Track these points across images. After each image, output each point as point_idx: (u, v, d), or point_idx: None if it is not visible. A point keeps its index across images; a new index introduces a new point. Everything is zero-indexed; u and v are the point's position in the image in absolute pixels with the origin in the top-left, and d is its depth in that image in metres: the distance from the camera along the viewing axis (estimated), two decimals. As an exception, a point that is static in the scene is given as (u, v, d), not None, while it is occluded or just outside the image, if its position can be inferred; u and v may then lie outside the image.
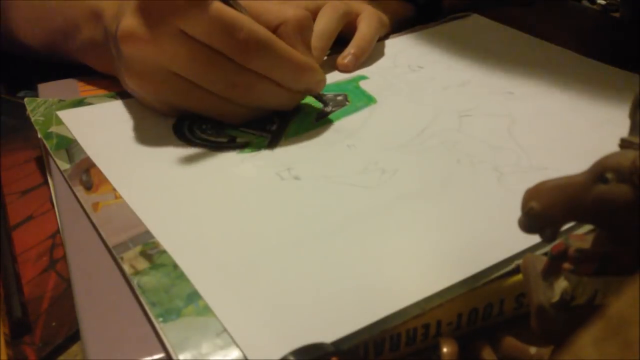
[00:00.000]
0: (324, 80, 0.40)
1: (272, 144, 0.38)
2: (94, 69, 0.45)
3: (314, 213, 0.32)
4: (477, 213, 0.32)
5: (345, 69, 0.47)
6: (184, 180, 0.35)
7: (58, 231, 0.35)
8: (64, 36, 0.45)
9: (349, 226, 0.31)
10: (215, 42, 0.35)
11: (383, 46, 0.52)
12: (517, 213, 0.30)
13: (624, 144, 0.22)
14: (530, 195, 0.22)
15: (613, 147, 0.35)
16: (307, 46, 0.39)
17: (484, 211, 0.32)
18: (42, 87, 0.45)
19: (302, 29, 0.38)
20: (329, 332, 0.25)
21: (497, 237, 0.30)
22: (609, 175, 0.20)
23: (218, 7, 0.34)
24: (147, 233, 0.30)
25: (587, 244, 0.22)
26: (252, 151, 0.37)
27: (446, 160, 0.36)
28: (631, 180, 0.19)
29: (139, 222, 0.31)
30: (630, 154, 0.20)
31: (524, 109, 0.41)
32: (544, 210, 0.21)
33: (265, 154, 0.37)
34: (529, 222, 0.22)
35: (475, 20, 0.57)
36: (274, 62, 0.36)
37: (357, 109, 0.42)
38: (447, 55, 0.50)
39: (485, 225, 0.31)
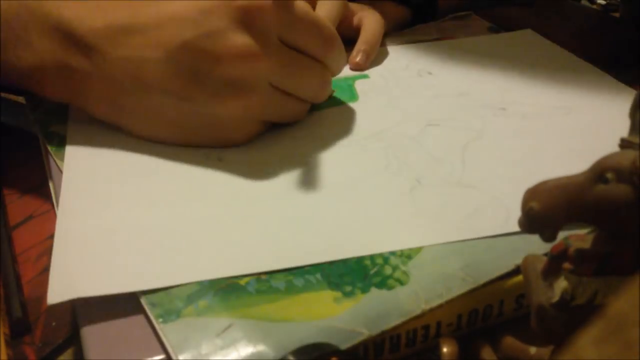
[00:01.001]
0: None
1: None
2: (42, 94, 0.38)
3: (218, 193, 0.34)
4: (365, 213, 0.32)
5: (357, 67, 0.47)
6: (117, 161, 0.36)
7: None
8: (11, 52, 0.36)
9: (239, 206, 0.33)
10: (310, 44, 0.36)
11: (402, 50, 0.51)
12: (411, 223, 0.31)
13: (624, 143, 0.22)
14: (530, 195, 0.21)
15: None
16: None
17: (374, 213, 0.32)
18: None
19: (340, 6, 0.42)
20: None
21: (374, 234, 0.31)
22: (609, 175, 0.20)
23: (304, 6, 0.35)
24: None
25: (587, 244, 0.22)
26: None
27: (373, 164, 0.36)
28: (631, 180, 0.19)
29: None
30: (630, 154, 0.20)
31: (501, 127, 0.40)
32: (544, 210, 0.21)
33: None
34: (528, 222, 0.22)
35: (526, 36, 0.54)
36: (341, 52, 0.38)
37: (332, 105, 0.42)
38: (465, 66, 0.48)
39: (365, 225, 0.31)
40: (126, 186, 0.34)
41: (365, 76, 0.47)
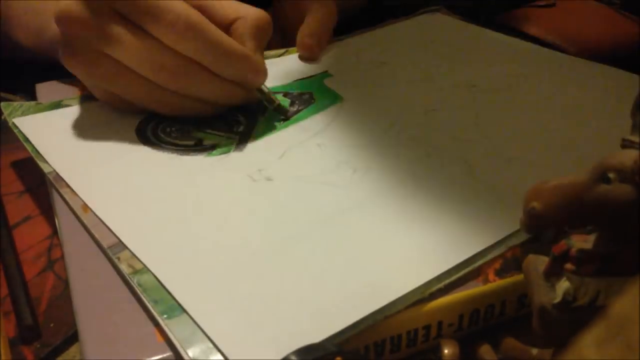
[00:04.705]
0: (263, 71, 0.39)
1: (240, 145, 0.37)
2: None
3: (290, 214, 0.32)
4: (452, 205, 0.32)
5: (307, 50, 0.47)
6: (155, 188, 0.34)
7: (56, 232, 0.35)
8: (39, 34, 0.44)
9: (325, 226, 0.31)
10: (143, 23, 0.35)
11: (345, 43, 0.52)
12: (489, 204, 0.32)
13: (626, 143, 0.21)
14: (532, 195, 0.21)
15: (578, 136, 0.37)
16: (259, 46, 0.39)
17: (459, 203, 0.32)
18: (40, 87, 0.45)
19: (259, 28, 0.38)
20: (320, 331, 0.25)
21: (473, 227, 0.30)
22: (611, 175, 0.20)
23: None
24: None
25: (589, 244, 0.22)
26: (220, 153, 0.37)
27: (416, 155, 0.36)
28: (633, 180, 0.19)
29: None
30: (633, 154, 0.20)
31: (488, 102, 0.42)
32: (546, 210, 0.21)
33: (234, 156, 0.36)
34: (530, 223, 0.21)
35: (439, 18, 0.57)
36: (202, 45, 0.36)
37: (324, 107, 0.42)
38: (409, 52, 0.50)
39: (460, 217, 0.31)
40: (189, 225, 0.31)
41: (329, 75, 0.46)
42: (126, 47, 0.36)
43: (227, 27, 0.38)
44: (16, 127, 0.39)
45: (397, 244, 0.29)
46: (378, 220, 0.31)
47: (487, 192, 0.33)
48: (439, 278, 0.27)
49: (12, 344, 0.29)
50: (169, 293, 0.27)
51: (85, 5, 0.36)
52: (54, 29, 0.41)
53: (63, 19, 0.36)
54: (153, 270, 0.28)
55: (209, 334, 0.24)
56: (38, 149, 0.37)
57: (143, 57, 0.36)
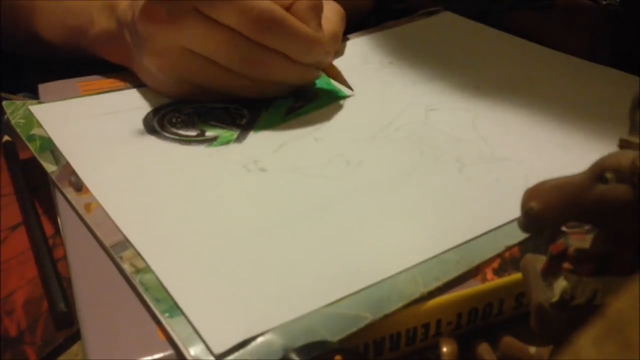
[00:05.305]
0: (331, 52, 0.41)
1: (240, 137, 0.38)
2: (109, 60, 0.47)
3: (279, 203, 0.32)
4: (439, 202, 0.32)
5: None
6: (154, 177, 0.35)
7: (58, 231, 0.35)
8: (80, 31, 0.46)
9: (313, 215, 0.31)
10: (229, 21, 0.37)
11: (353, 43, 0.52)
12: (476, 203, 0.32)
13: (623, 143, 0.22)
14: (530, 195, 0.21)
15: (576, 136, 0.38)
16: (319, 23, 0.41)
17: (445, 200, 0.33)
18: (43, 88, 0.45)
19: (317, 8, 0.40)
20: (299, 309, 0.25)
21: (457, 224, 0.31)
22: (609, 175, 0.20)
23: None
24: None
25: (586, 243, 0.22)
26: (220, 144, 0.38)
27: (410, 152, 0.37)
28: (631, 180, 0.19)
29: None
30: (630, 154, 0.20)
31: (489, 102, 0.42)
32: (544, 210, 0.21)
33: (233, 147, 0.37)
34: (528, 222, 0.22)
35: (446, 17, 0.57)
36: (286, 37, 0.38)
37: (326, 104, 0.42)
38: (417, 52, 0.50)
39: (446, 213, 0.32)
40: (181, 215, 0.32)
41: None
42: (212, 44, 0.37)
43: (286, 9, 0.40)
44: (19, 125, 0.39)
45: (382, 233, 0.30)
46: (364, 211, 0.32)
47: (476, 190, 0.33)
48: (427, 265, 0.28)
49: (13, 343, 0.29)
50: (165, 289, 0.27)
51: (166, 4, 0.37)
52: (97, 27, 0.45)
53: (145, 18, 0.37)
54: (152, 266, 0.28)
55: (201, 334, 0.25)
56: (51, 136, 0.38)
57: (229, 52, 0.38)
